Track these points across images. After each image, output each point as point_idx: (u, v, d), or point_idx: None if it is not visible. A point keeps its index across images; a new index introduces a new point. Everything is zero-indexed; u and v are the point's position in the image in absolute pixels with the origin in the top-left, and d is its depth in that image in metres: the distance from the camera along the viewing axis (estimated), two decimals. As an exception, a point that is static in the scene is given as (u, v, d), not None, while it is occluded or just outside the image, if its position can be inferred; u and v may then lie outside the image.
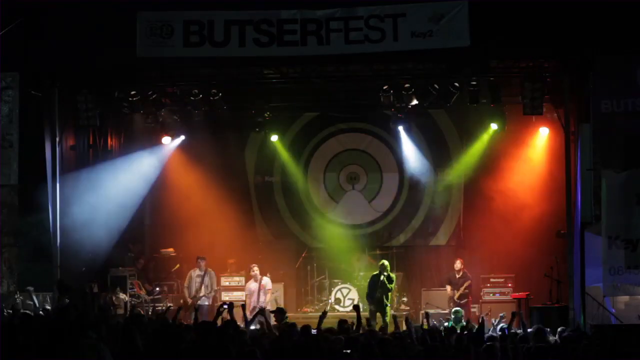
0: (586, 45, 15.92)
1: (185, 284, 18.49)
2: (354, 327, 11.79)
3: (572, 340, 10.74)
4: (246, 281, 19.13)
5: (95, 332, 9.08)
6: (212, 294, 18.37)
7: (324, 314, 12.35)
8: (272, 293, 18.78)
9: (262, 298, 18.21)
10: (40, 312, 13.57)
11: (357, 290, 19.47)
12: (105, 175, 19.32)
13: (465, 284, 18.67)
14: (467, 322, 13.32)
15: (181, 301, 18.49)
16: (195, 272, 18.42)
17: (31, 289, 14.85)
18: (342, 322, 11.80)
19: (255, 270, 18.43)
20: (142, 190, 20.43)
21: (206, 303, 18.15)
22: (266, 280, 18.46)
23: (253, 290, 18.38)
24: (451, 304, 18.40)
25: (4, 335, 8.74)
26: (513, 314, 12.17)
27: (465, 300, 18.53)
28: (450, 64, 17.05)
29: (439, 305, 18.93)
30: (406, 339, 10.29)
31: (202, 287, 18.25)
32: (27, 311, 12.81)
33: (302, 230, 21.35)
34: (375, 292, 17.63)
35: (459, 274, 18.83)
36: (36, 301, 14.42)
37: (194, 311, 16.36)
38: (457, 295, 18.52)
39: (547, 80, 17.32)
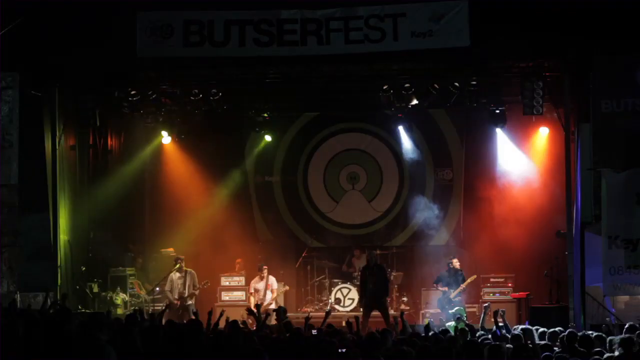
0: (586, 45, 15.92)
1: (167, 288, 18.27)
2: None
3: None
4: (251, 279, 19.22)
5: (104, 333, 9.08)
6: (196, 293, 18.33)
7: (329, 312, 12.66)
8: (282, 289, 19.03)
9: (268, 296, 18.34)
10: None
11: (357, 290, 19.47)
12: (105, 175, 19.34)
13: (470, 279, 18.39)
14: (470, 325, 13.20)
15: (166, 302, 18.37)
16: (176, 275, 18.30)
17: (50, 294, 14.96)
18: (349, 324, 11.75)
19: (265, 271, 18.57)
20: (142, 190, 20.45)
21: (191, 302, 18.10)
22: (272, 280, 18.63)
23: (259, 289, 18.50)
24: (444, 304, 18.22)
25: (10, 335, 8.73)
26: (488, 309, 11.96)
27: (460, 297, 18.37)
28: (450, 64, 17.06)
29: (437, 306, 18.89)
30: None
31: (186, 288, 18.19)
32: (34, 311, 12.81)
33: (302, 230, 21.34)
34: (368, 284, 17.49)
35: (455, 272, 18.58)
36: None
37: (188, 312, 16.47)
38: (454, 294, 18.28)
39: (547, 80, 17.34)
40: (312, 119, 21.19)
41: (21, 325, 8.75)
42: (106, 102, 18.30)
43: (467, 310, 18.26)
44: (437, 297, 18.83)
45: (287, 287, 19.35)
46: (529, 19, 15.80)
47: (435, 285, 18.54)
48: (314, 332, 11.73)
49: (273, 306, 17.68)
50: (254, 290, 18.57)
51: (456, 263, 18.62)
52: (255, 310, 12.98)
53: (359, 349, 9.03)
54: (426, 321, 17.53)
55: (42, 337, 8.58)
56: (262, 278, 18.57)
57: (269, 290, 18.48)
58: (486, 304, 14.55)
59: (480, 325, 12.91)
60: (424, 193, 20.98)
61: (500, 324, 11.75)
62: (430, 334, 10.98)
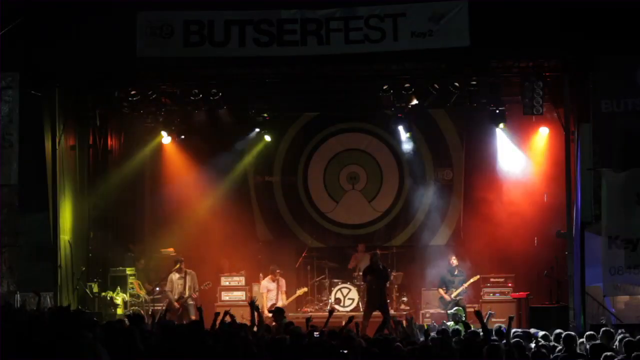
0: (586, 45, 15.92)
1: (168, 288, 18.32)
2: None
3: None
4: (251, 279, 19.54)
5: (91, 331, 9.07)
6: (196, 294, 18.37)
7: (331, 312, 12.72)
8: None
9: (280, 298, 18.57)
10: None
11: (356, 290, 19.48)
12: (105, 175, 19.34)
13: (473, 279, 18.44)
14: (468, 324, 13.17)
15: (166, 303, 18.40)
16: (176, 275, 18.33)
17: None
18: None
19: (278, 273, 18.75)
20: (142, 190, 20.44)
21: (192, 303, 18.16)
22: (283, 282, 18.81)
23: (271, 289, 18.64)
24: (446, 304, 18.29)
25: (11, 335, 8.75)
26: (510, 319, 11.90)
27: (461, 297, 18.40)
28: (450, 64, 17.07)
29: (439, 305, 18.90)
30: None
31: (186, 289, 18.22)
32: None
33: (302, 230, 21.34)
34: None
35: (456, 271, 18.70)
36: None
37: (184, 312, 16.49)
38: (455, 293, 18.37)
39: (547, 80, 17.34)
40: (312, 119, 21.19)
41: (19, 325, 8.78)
42: (106, 102, 18.30)
43: (468, 310, 18.29)
44: (437, 296, 18.88)
45: (305, 289, 19.35)
46: (529, 19, 15.80)
47: (438, 289, 18.58)
48: (316, 334, 11.76)
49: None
50: (266, 290, 18.72)
51: (454, 261, 18.66)
52: (259, 307, 12.94)
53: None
54: (425, 323, 17.66)
55: (38, 338, 8.60)
56: (274, 280, 18.65)
57: (281, 292, 18.63)
58: (492, 312, 14.59)
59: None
60: (424, 193, 20.98)
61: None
62: (429, 338, 10.96)
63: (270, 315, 15.88)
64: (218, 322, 11.88)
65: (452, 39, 15.96)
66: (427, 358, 9.31)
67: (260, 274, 19.69)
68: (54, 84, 17.17)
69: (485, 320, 12.15)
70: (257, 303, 13.04)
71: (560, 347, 10.68)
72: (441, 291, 18.55)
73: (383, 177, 21.31)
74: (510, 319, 11.31)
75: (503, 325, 12.23)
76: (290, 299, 18.90)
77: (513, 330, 11.62)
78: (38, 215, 16.69)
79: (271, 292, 18.59)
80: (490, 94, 17.82)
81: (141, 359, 8.89)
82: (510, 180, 19.71)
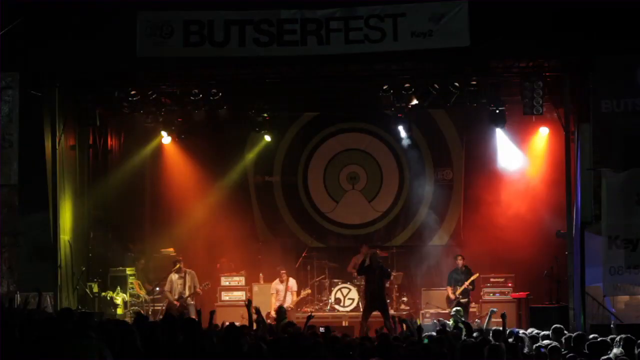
0: (586, 45, 15.93)
1: (167, 288, 18.35)
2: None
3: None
4: (251, 279, 19.65)
5: (96, 332, 9.08)
6: (199, 292, 18.39)
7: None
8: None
9: (288, 298, 18.71)
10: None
11: (357, 290, 19.48)
12: (105, 175, 19.35)
13: (472, 277, 18.45)
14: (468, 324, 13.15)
15: (166, 303, 18.40)
16: (175, 276, 18.35)
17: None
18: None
19: (284, 275, 18.95)
20: (142, 190, 20.43)
21: (192, 302, 18.17)
22: (292, 282, 18.98)
23: (280, 290, 18.83)
24: (451, 303, 18.33)
25: (6, 334, 8.75)
26: (503, 316, 11.88)
27: (466, 299, 18.39)
28: (450, 64, 17.06)
29: (439, 305, 18.92)
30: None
31: (186, 288, 18.22)
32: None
33: (302, 230, 21.34)
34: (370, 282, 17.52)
35: (462, 270, 18.71)
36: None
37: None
38: (459, 291, 18.38)
39: (547, 80, 17.34)
40: (312, 119, 21.20)
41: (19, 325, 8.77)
42: (106, 102, 18.30)
43: (471, 309, 18.31)
44: (437, 296, 18.87)
45: (308, 291, 19.40)
46: (529, 19, 15.81)
47: (447, 287, 18.61)
48: (321, 329, 11.80)
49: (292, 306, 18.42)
50: (275, 291, 18.89)
51: (459, 261, 18.69)
52: (253, 309, 12.93)
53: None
54: (418, 321, 17.65)
55: (39, 337, 8.60)
56: (282, 281, 18.77)
57: (289, 292, 18.80)
58: (493, 309, 14.58)
59: (484, 327, 12.91)
60: (424, 193, 20.98)
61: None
62: (423, 335, 10.97)
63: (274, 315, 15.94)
64: (214, 322, 11.89)
65: (452, 39, 15.96)
66: (427, 358, 9.31)
67: (261, 274, 19.72)
68: (54, 84, 17.17)
69: (487, 319, 12.25)
70: (255, 304, 13.05)
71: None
72: (449, 289, 18.53)
73: (383, 177, 21.32)
74: (496, 314, 11.36)
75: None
76: (296, 299, 18.92)
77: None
78: (38, 215, 16.69)
79: (279, 294, 18.77)
80: (490, 94, 17.82)
81: (141, 359, 8.90)
82: (510, 180, 19.71)
